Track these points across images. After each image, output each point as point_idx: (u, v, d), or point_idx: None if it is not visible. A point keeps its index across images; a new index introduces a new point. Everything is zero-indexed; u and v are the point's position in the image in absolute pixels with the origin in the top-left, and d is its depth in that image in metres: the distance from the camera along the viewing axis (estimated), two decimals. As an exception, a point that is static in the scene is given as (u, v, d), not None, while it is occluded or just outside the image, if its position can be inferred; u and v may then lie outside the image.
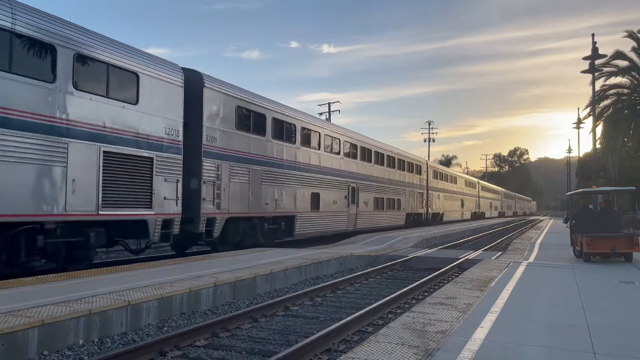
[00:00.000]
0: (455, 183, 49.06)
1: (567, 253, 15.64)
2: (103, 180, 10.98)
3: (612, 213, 14.41)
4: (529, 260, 13.85)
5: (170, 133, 12.99)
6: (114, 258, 15.56)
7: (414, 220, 35.05)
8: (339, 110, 60.79)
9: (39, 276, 9.48)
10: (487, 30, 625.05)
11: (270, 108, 17.91)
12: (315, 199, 20.93)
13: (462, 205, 51.89)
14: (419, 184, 36.30)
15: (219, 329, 7.43)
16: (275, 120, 18.07)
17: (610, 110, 31.37)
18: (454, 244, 24.29)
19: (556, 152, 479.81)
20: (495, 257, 15.91)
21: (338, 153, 23.54)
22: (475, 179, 67.14)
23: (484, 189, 68.58)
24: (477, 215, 61.15)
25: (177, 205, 13.07)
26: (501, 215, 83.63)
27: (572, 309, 7.40)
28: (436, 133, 75.68)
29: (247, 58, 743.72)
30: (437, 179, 41.98)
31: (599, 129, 30.60)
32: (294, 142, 19.52)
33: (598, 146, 28.82)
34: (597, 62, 23.71)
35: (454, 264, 14.84)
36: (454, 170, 62.89)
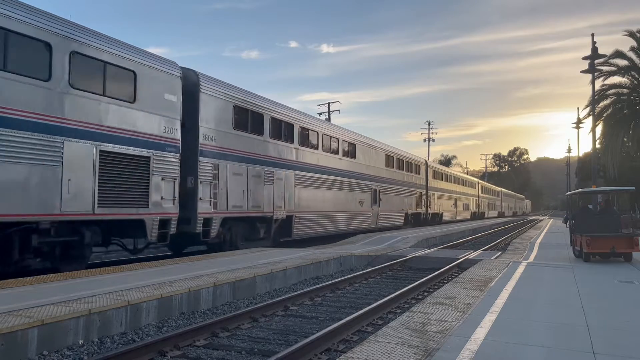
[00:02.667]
0: (364, 161, 25.80)
1: (567, 253, 15.65)
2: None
3: (612, 213, 14.41)
4: (528, 260, 13.85)
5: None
6: (113, 258, 15.55)
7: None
8: (339, 110, 60.74)
9: (38, 276, 9.48)
10: (487, 30, 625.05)
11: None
12: None
13: (394, 201, 29.89)
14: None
15: (219, 329, 7.43)
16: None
17: (609, 110, 31.44)
18: (453, 243, 24.30)
19: (556, 152, 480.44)
20: (494, 257, 15.91)
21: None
22: (423, 159, 38.20)
23: (439, 176, 41.80)
24: (424, 219, 36.28)
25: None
26: (478, 216, 59.19)
27: (572, 309, 7.40)
28: (436, 133, 75.48)
29: (247, 58, 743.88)
30: (306, 146, 19.95)
31: (599, 129, 30.71)
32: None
33: (598, 146, 28.87)
34: (596, 61, 23.75)
35: (454, 263, 14.83)
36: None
